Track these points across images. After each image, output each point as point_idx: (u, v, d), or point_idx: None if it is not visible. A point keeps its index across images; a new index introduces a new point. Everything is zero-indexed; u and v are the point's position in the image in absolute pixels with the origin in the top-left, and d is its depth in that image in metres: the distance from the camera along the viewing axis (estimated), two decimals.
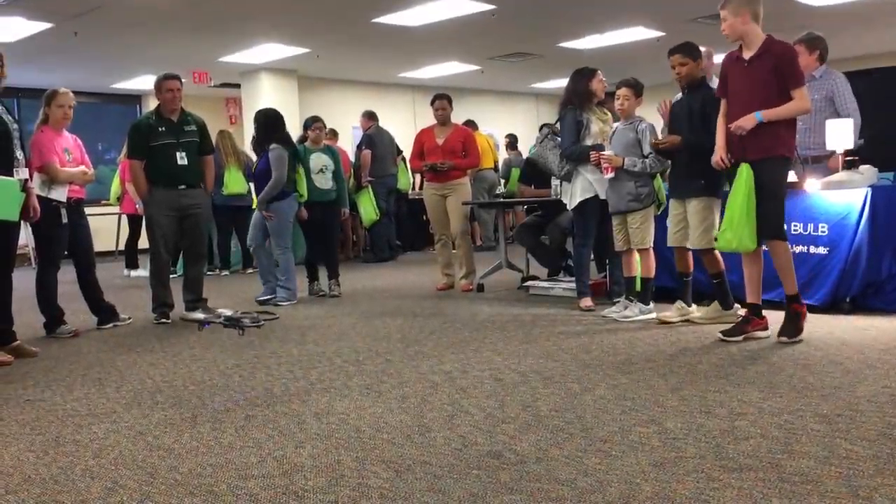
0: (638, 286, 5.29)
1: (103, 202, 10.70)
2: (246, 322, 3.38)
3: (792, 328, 4.23)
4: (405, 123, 14.23)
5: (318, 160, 7.11)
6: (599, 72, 5.60)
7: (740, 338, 4.28)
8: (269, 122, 6.72)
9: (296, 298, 6.72)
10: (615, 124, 5.39)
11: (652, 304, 5.23)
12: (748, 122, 4.12)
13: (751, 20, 4.17)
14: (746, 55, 4.21)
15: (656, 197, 5.22)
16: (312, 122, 7.25)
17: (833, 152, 5.29)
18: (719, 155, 4.34)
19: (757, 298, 4.37)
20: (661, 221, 5.33)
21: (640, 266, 5.27)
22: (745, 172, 4.19)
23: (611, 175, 5.14)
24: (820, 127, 5.28)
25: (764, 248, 4.32)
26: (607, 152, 5.16)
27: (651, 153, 5.09)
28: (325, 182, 7.08)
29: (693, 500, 2.20)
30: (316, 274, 7.26)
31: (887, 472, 2.33)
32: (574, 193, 5.59)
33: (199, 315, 3.41)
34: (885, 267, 4.98)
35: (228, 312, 3.48)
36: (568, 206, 5.72)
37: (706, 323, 4.83)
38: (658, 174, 5.21)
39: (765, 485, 2.28)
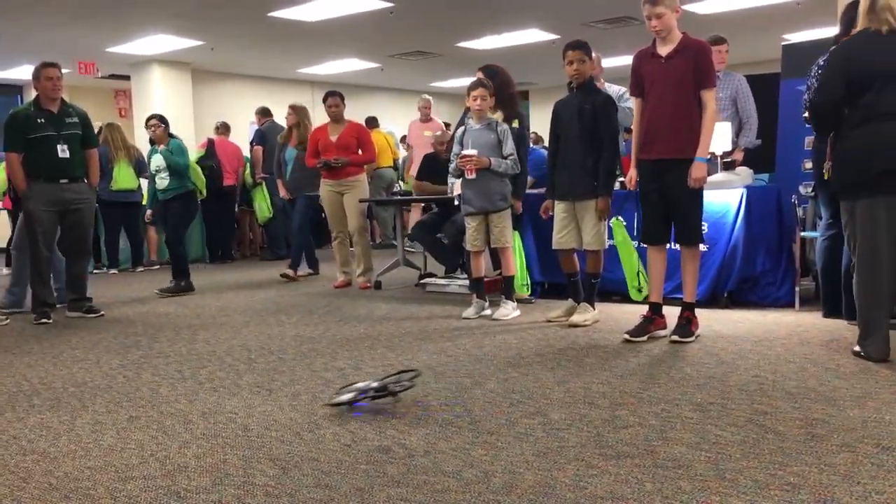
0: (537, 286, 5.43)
1: None
2: (395, 388, 3.19)
3: (685, 331, 4.26)
4: None
5: (154, 161, 7.14)
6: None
7: (644, 338, 4.29)
8: None
9: (20, 307, 6.08)
10: (460, 128, 5.35)
11: (515, 302, 5.37)
12: (700, 171, 4.14)
13: (678, 17, 4.19)
14: (663, 52, 4.20)
15: None
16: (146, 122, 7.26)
17: (734, 148, 5.67)
18: (631, 176, 4.39)
19: (659, 298, 4.41)
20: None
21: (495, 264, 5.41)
22: (615, 228, 4.47)
23: (472, 176, 5.12)
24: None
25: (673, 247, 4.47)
26: (472, 152, 5.11)
27: (512, 154, 5.15)
28: (161, 182, 7.09)
29: (572, 487, 2.27)
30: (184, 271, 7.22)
31: (752, 456, 2.48)
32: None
33: (345, 397, 3.16)
34: (759, 263, 5.27)
35: (371, 383, 3.24)
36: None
37: (565, 320, 4.94)
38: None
39: (640, 470, 2.38)
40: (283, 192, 7.98)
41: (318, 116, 13.52)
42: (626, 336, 4.32)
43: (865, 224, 3.70)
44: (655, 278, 4.43)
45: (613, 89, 5.87)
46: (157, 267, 9.61)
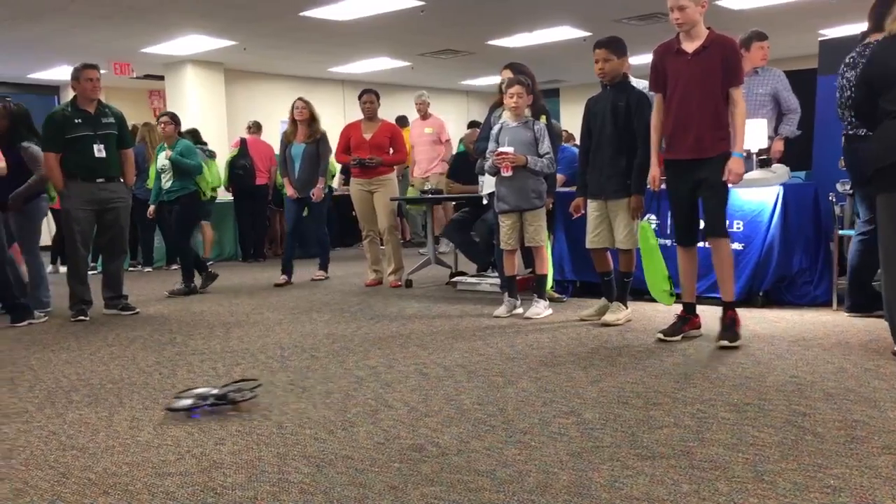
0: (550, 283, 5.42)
1: None
2: (236, 396, 3.27)
3: (732, 333, 4.08)
4: (335, 119, 14.12)
5: (159, 160, 7.11)
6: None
7: (678, 337, 4.23)
8: (21, 118, 6.01)
9: (49, 307, 6.01)
10: (499, 123, 5.28)
11: (548, 300, 5.33)
12: (739, 166, 4.04)
13: (703, 12, 4.07)
14: (689, 48, 4.10)
15: None
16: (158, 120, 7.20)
17: (772, 139, 5.62)
18: (653, 175, 4.32)
19: (692, 298, 4.33)
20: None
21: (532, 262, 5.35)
22: (641, 232, 4.44)
23: (508, 173, 5.10)
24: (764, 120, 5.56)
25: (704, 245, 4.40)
26: (508, 150, 5.09)
27: (548, 153, 5.12)
28: (166, 182, 7.09)
29: (607, 488, 2.26)
30: (194, 271, 7.21)
31: (791, 458, 2.44)
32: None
33: (185, 402, 3.25)
34: (795, 262, 5.19)
35: (211, 390, 3.33)
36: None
37: (597, 319, 4.90)
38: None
39: (676, 471, 2.36)
40: (290, 191, 7.42)
41: (349, 115, 13.61)
42: (660, 336, 4.27)
43: (881, 221, 3.73)
44: (687, 279, 4.33)
45: (643, 85, 5.84)
46: None
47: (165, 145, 7.14)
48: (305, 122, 7.35)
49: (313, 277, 7.73)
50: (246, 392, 3.28)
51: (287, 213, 7.63)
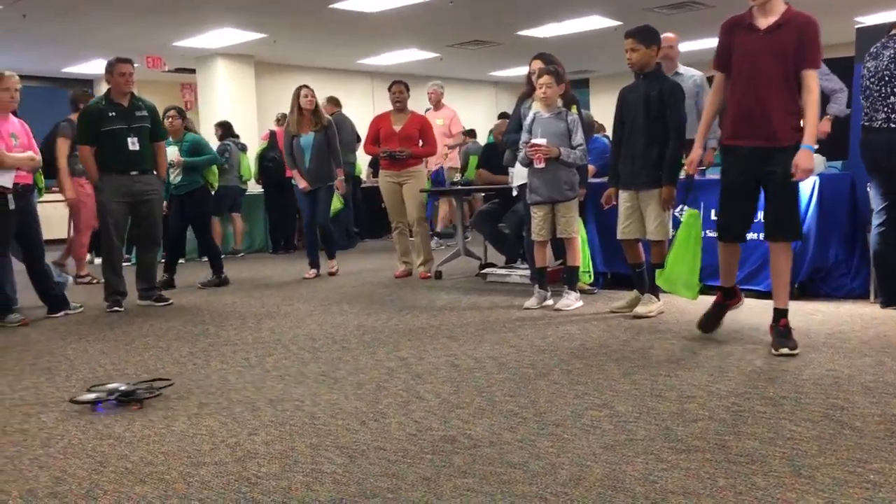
0: (589, 275, 5.35)
1: (54, 189, 10.46)
2: (143, 393, 3.34)
3: (792, 341, 3.69)
4: (364, 110, 14.16)
5: (169, 155, 6.95)
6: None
7: (719, 327, 4.09)
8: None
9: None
10: (531, 114, 5.20)
11: (578, 292, 5.29)
12: (810, 161, 3.60)
13: None
14: (762, 23, 3.70)
15: None
16: (164, 113, 6.98)
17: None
18: (692, 158, 4.04)
19: (731, 282, 4.06)
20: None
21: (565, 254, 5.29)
22: (688, 219, 4.18)
23: (541, 165, 5.06)
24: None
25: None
26: (541, 141, 5.05)
27: (581, 145, 5.08)
28: (175, 177, 7.03)
29: (642, 481, 2.24)
30: (171, 267, 7.12)
31: (829, 452, 2.40)
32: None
33: (90, 395, 3.34)
34: (831, 254, 5.11)
35: (120, 386, 3.41)
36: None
37: (629, 311, 4.85)
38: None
39: (711, 465, 2.33)
40: (302, 184, 7.18)
41: (378, 107, 13.62)
42: (700, 331, 4.12)
43: None
44: (729, 269, 4.05)
45: (690, 73, 5.81)
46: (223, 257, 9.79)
47: (171, 140, 6.99)
48: (312, 110, 7.16)
49: (329, 272, 7.52)
50: (154, 390, 3.33)
51: (303, 209, 7.44)
